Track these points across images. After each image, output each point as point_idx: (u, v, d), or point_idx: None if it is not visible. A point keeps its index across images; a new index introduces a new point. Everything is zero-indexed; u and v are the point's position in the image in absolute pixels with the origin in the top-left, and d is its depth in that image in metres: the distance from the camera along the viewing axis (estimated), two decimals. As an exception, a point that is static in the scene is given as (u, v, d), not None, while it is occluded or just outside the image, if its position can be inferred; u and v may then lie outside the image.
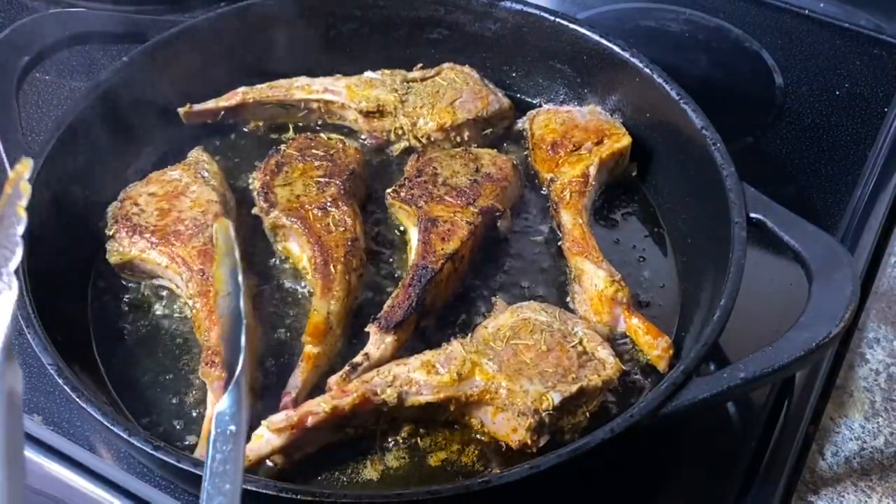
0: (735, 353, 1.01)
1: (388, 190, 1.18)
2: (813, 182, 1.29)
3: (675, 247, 1.17)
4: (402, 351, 1.01)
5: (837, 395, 1.04)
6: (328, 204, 1.12)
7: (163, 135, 1.24)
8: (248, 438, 0.89)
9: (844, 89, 1.43)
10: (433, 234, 1.09)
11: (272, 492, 0.80)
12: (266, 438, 0.90)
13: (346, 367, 0.98)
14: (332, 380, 0.97)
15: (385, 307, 1.03)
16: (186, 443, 0.96)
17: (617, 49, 1.23)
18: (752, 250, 0.99)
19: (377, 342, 1.00)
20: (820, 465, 0.98)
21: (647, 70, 1.20)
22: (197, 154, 1.19)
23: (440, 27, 1.33)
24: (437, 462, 0.95)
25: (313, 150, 1.19)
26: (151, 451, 0.83)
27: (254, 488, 0.80)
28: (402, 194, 1.15)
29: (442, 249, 1.08)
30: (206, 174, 1.15)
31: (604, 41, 1.24)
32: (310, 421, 0.91)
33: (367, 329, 1.02)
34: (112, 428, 0.84)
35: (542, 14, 1.28)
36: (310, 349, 1.00)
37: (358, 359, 0.99)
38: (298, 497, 0.80)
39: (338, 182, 1.15)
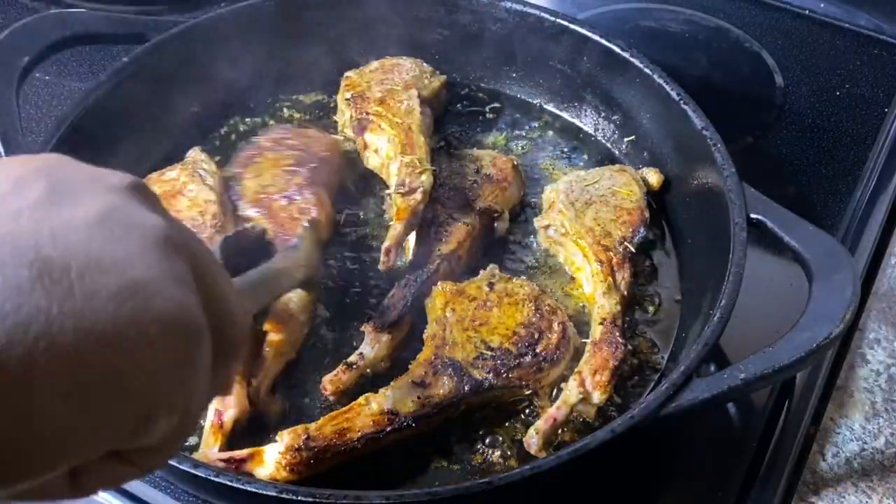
0: (735, 353, 1.01)
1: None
2: (813, 182, 1.28)
3: (675, 247, 1.17)
4: (397, 350, 1.02)
5: (838, 396, 1.04)
6: (293, 192, 1.12)
7: (162, 135, 1.24)
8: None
9: (844, 89, 1.42)
10: (430, 234, 1.09)
11: (272, 493, 0.80)
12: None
13: (342, 366, 0.99)
14: (327, 378, 0.98)
15: (380, 307, 1.03)
16: (186, 443, 0.95)
17: (617, 49, 1.23)
18: (752, 250, 0.99)
19: (372, 342, 1.00)
20: (821, 465, 0.98)
21: (647, 70, 1.19)
22: (195, 154, 1.19)
23: (440, 27, 1.33)
24: (437, 464, 0.95)
25: (288, 141, 1.20)
26: (151, 452, 0.82)
27: (254, 489, 0.80)
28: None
29: (438, 250, 1.07)
30: (203, 174, 1.15)
31: (604, 41, 1.24)
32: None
33: (362, 328, 1.02)
34: (112, 429, 0.84)
35: (542, 14, 1.28)
36: (272, 336, 1.00)
37: (353, 358, 0.99)
38: (298, 498, 0.80)
39: (303, 170, 1.15)
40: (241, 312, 0.55)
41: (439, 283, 1.03)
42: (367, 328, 1.01)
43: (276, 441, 0.91)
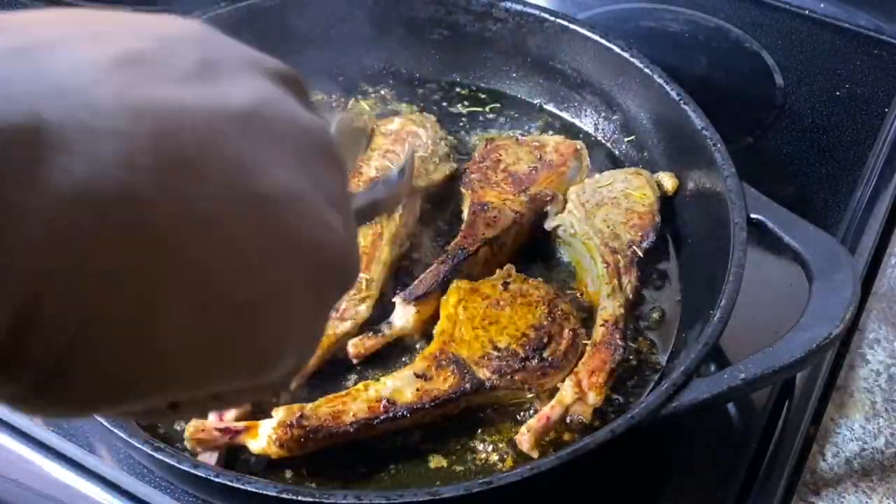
0: (735, 353, 1.01)
1: None
2: (813, 182, 1.28)
3: (675, 247, 1.16)
4: (428, 324, 1.03)
5: (838, 396, 1.04)
6: None
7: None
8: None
9: (844, 89, 1.42)
10: (480, 218, 1.11)
11: (272, 493, 0.80)
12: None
13: (368, 332, 1.02)
14: (352, 341, 1.01)
15: (416, 281, 1.06)
16: (187, 444, 0.95)
17: (617, 49, 1.23)
18: (752, 250, 0.99)
19: (401, 313, 1.03)
20: (821, 465, 0.98)
21: (647, 70, 1.19)
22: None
23: (440, 27, 1.33)
24: (437, 464, 0.95)
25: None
26: (151, 453, 0.83)
27: (254, 489, 0.80)
28: (463, 178, 1.17)
29: (483, 234, 1.08)
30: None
31: (604, 41, 1.24)
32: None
33: (394, 300, 1.04)
34: (112, 429, 0.84)
35: (542, 14, 1.28)
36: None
37: (381, 326, 1.03)
38: (298, 498, 0.80)
39: None
40: (357, 246, 0.47)
41: (455, 282, 1.04)
42: (397, 299, 1.04)
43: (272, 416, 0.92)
